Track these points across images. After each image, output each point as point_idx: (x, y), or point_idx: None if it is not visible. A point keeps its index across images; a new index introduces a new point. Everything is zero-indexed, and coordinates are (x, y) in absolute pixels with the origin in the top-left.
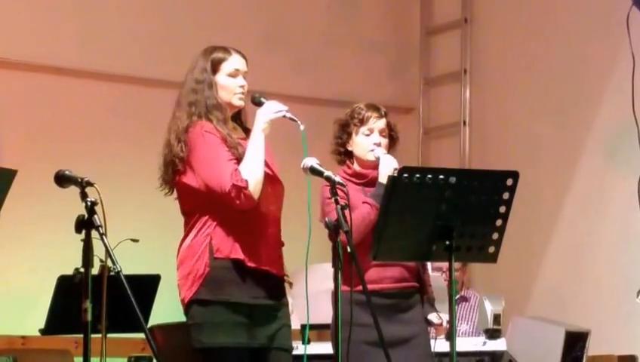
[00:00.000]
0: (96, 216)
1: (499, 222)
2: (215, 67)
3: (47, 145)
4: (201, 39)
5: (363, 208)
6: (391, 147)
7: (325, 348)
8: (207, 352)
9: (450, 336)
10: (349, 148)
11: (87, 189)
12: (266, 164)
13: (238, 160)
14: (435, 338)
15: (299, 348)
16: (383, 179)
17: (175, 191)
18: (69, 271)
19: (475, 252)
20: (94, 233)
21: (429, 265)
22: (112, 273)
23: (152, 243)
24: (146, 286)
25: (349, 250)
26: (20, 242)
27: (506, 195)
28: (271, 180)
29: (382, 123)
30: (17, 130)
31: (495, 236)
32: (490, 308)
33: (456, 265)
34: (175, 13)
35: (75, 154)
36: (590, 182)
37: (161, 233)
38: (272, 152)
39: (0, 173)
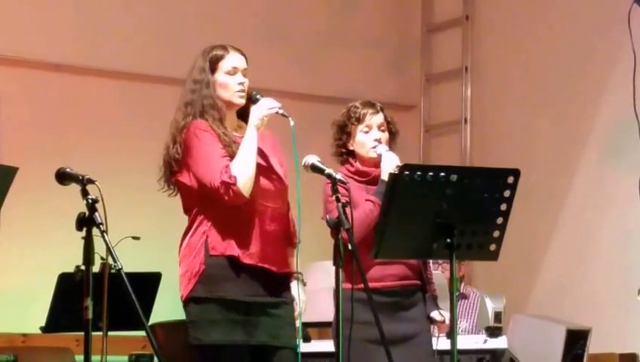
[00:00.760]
0: (97, 214)
1: (500, 220)
2: (213, 66)
3: (48, 142)
4: (201, 36)
5: (365, 205)
6: (391, 141)
7: (326, 345)
8: (204, 349)
9: (451, 334)
10: (351, 148)
11: (88, 187)
12: (265, 159)
13: (233, 157)
14: (438, 336)
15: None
16: (385, 176)
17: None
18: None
19: (476, 250)
20: (95, 230)
21: (430, 262)
22: (113, 271)
23: (153, 240)
24: (147, 283)
25: (350, 247)
26: (21, 240)
27: (507, 193)
28: (269, 176)
29: (379, 118)
30: (18, 127)
31: (496, 234)
32: (491, 306)
33: None
34: (175, 9)
35: (76, 152)
36: (591, 180)
37: (163, 231)
38: (279, 149)
39: (1, 170)
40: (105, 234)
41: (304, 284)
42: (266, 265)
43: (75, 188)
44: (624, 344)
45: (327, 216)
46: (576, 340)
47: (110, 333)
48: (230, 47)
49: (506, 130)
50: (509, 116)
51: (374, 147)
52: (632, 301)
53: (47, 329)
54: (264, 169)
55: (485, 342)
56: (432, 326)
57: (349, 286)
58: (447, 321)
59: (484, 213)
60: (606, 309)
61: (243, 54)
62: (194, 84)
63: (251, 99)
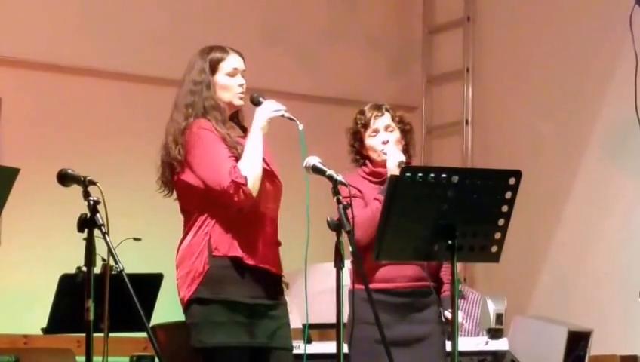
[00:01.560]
0: (98, 215)
1: (501, 222)
2: (213, 67)
3: (49, 143)
4: (202, 36)
5: (372, 204)
6: (406, 139)
7: (327, 347)
8: (207, 352)
9: (452, 336)
10: (365, 154)
11: (90, 188)
12: (265, 162)
13: (237, 158)
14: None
15: (300, 348)
16: (391, 173)
17: (175, 191)
18: (72, 270)
19: (477, 251)
20: (97, 232)
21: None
22: (115, 272)
23: (154, 242)
24: (149, 285)
25: (350, 249)
26: (23, 241)
27: (508, 194)
28: (270, 178)
29: (385, 119)
30: (20, 128)
31: (497, 235)
32: (492, 308)
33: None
34: (177, 11)
35: (78, 153)
36: (593, 181)
37: (164, 232)
38: (271, 152)
39: (3, 171)
40: (106, 235)
41: (286, 287)
42: (267, 267)
43: (76, 189)
44: (625, 345)
45: (328, 218)
46: (577, 342)
47: (111, 334)
48: (229, 48)
49: (508, 131)
50: (511, 117)
51: (382, 150)
52: (633, 302)
53: (49, 330)
54: (266, 171)
55: (486, 343)
56: (446, 327)
57: (358, 286)
58: (460, 320)
59: (485, 214)
60: (607, 311)
61: (241, 55)
62: (193, 85)
63: (253, 102)
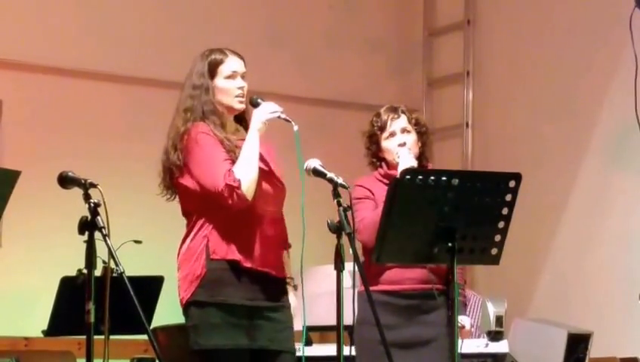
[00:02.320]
0: (99, 218)
1: (501, 224)
2: (212, 70)
3: (50, 146)
4: (203, 39)
5: (381, 207)
6: (422, 141)
7: (327, 349)
8: (205, 354)
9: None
10: (382, 157)
11: (91, 190)
12: (266, 164)
13: (235, 161)
14: (462, 341)
15: (299, 350)
16: None
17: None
18: (72, 273)
19: (477, 254)
20: (97, 234)
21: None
22: (115, 274)
23: (155, 244)
24: (149, 287)
25: (350, 251)
26: (23, 243)
27: (508, 197)
28: (269, 180)
29: (401, 121)
30: (21, 131)
31: (498, 238)
32: (492, 310)
33: None
34: (177, 13)
35: (79, 156)
36: (593, 184)
37: (165, 234)
38: (275, 154)
39: (3, 174)
40: (107, 237)
41: (295, 289)
42: (266, 269)
43: (77, 191)
44: (625, 348)
45: (328, 220)
46: (577, 344)
47: (112, 337)
48: (229, 50)
49: (508, 134)
50: (511, 120)
51: (397, 153)
52: (633, 305)
53: (50, 332)
54: (265, 173)
55: (486, 345)
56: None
57: (376, 288)
58: (468, 327)
59: (485, 217)
60: (607, 313)
61: (242, 58)
62: (193, 90)
63: (252, 103)
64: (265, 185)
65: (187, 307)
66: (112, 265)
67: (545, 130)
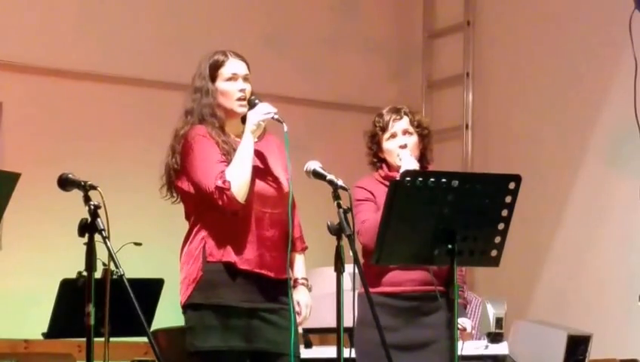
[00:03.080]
0: (99, 220)
1: (501, 226)
2: (213, 73)
3: (50, 148)
4: (203, 41)
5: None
6: (424, 143)
7: (327, 351)
8: (201, 356)
9: (453, 339)
10: (382, 157)
11: (91, 193)
12: (266, 165)
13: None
14: (463, 343)
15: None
16: None
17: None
18: (72, 275)
19: (477, 256)
20: (97, 236)
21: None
22: (115, 277)
23: (155, 246)
24: (149, 290)
25: (350, 253)
26: (23, 245)
27: (508, 199)
28: (268, 182)
29: (403, 123)
30: (21, 132)
31: (497, 240)
32: (492, 312)
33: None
34: (177, 15)
35: (78, 158)
36: (593, 186)
37: (165, 237)
38: (280, 154)
39: (3, 176)
40: (107, 240)
41: (309, 290)
42: (262, 271)
43: (77, 194)
44: (625, 350)
45: (329, 222)
46: (577, 346)
47: (112, 339)
48: (230, 52)
49: (508, 135)
50: (511, 122)
51: (398, 154)
52: (633, 307)
53: (49, 335)
54: (263, 174)
55: (486, 347)
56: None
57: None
58: (469, 330)
59: (485, 218)
60: (607, 315)
61: (244, 60)
62: (194, 93)
63: (250, 104)
64: (262, 186)
65: (185, 309)
66: (112, 267)
67: (544, 132)
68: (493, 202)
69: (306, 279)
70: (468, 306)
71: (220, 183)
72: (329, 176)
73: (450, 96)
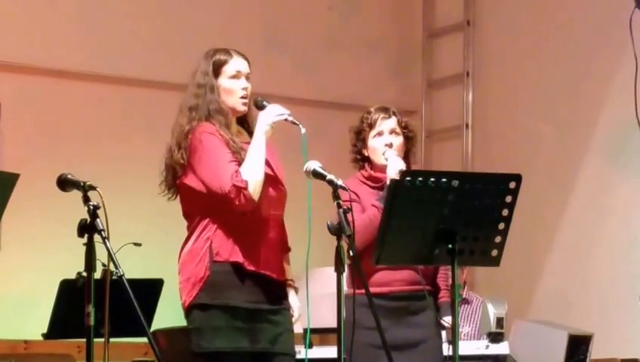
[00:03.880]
0: (98, 220)
1: (502, 226)
2: (217, 70)
3: (49, 149)
4: (202, 41)
5: (370, 211)
6: (409, 146)
7: (328, 352)
8: (207, 357)
9: (453, 340)
10: (366, 154)
11: (90, 193)
12: (269, 167)
13: (240, 163)
14: (449, 341)
15: (301, 352)
16: (389, 181)
17: (178, 195)
18: (72, 276)
19: (477, 255)
20: (97, 237)
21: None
22: (115, 277)
23: (155, 247)
24: (149, 290)
25: (351, 253)
26: (23, 246)
27: (508, 198)
28: (273, 183)
29: (391, 122)
30: (20, 133)
31: (498, 239)
32: (493, 312)
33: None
34: (177, 15)
35: (78, 158)
36: (593, 185)
37: (164, 237)
38: (277, 156)
39: (2, 177)
40: (106, 240)
41: (296, 291)
42: (268, 272)
43: (76, 194)
44: (626, 349)
45: (328, 222)
46: (578, 345)
47: (112, 340)
48: (234, 51)
49: (508, 135)
50: (511, 121)
51: (384, 153)
52: (634, 306)
53: (49, 335)
54: (269, 176)
55: (487, 347)
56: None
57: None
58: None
59: (485, 218)
60: (608, 314)
61: (246, 59)
62: (197, 88)
63: (257, 106)
64: (269, 189)
65: (189, 310)
66: (112, 267)
67: (545, 131)
68: (494, 202)
69: (292, 280)
70: (468, 306)
71: (237, 182)
72: (329, 176)
73: (450, 95)
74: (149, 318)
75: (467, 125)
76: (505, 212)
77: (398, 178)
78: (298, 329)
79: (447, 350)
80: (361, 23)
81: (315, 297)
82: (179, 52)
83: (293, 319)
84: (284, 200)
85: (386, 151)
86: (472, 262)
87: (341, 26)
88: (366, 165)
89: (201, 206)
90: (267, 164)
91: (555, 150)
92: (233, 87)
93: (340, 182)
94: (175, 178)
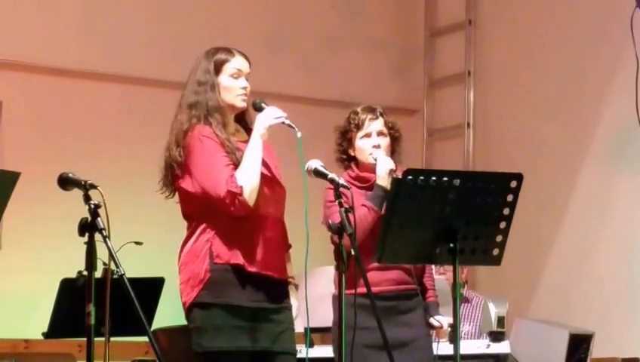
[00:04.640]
0: (99, 219)
1: (503, 225)
2: (218, 68)
3: (50, 147)
4: (204, 40)
5: (360, 211)
6: (394, 146)
7: (329, 351)
8: (208, 356)
9: (454, 339)
10: (352, 154)
11: (91, 192)
12: (267, 167)
13: (236, 165)
14: (438, 342)
15: (302, 351)
16: (379, 181)
17: (176, 195)
18: (72, 274)
19: (479, 254)
20: (98, 236)
21: (433, 268)
22: (116, 276)
23: (155, 246)
24: (150, 289)
25: (352, 252)
26: (23, 245)
27: (510, 197)
28: (270, 183)
29: (378, 124)
30: (20, 132)
31: (499, 238)
32: (494, 311)
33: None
34: (179, 14)
35: (79, 157)
36: (594, 184)
37: (165, 236)
38: (275, 155)
39: (3, 175)
40: (107, 239)
41: (296, 289)
42: (269, 273)
43: (77, 193)
44: (627, 348)
45: (330, 221)
46: (579, 344)
47: (113, 339)
48: (235, 50)
49: (510, 134)
50: (513, 120)
51: (371, 153)
52: (635, 305)
53: (50, 334)
54: (266, 177)
55: (488, 346)
56: (432, 332)
57: (349, 291)
58: (445, 327)
59: (487, 217)
60: (609, 314)
61: (247, 58)
62: (198, 86)
63: (255, 107)
64: (266, 189)
65: (190, 309)
66: (113, 266)
67: (546, 130)
68: (495, 201)
69: (293, 278)
70: (468, 304)
71: (231, 188)
72: (330, 175)
73: (451, 94)
74: (150, 317)
75: (469, 124)
76: (506, 211)
77: (388, 178)
78: (299, 328)
79: (436, 349)
80: (364, 22)
81: (316, 296)
82: (181, 51)
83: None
84: (282, 200)
85: (374, 152)
86: (473, 261)
87: (343, 25)
88: (352, 165)
89: (199, 209)
90: (264, 163)
91: (556, 149)
92: (232, 85)
93: (341, 181)
94: (173, 177)
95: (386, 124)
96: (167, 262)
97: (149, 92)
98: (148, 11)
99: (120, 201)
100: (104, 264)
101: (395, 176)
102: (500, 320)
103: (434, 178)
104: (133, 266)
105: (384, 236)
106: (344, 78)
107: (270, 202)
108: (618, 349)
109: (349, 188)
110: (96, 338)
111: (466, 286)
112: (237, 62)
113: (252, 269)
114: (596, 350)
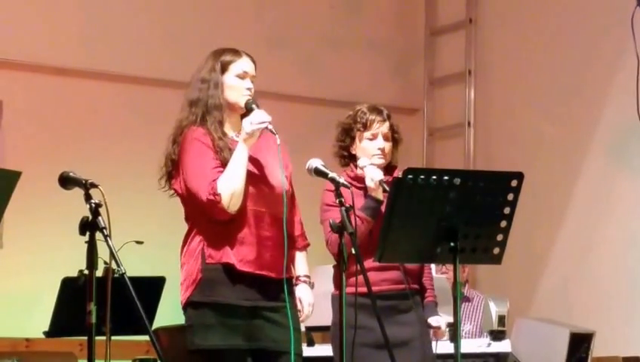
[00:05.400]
0: (100, 218)
1: (503, 224)
2: (224, 68)
3: (51, 146)
4: (204, 39)
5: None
6: (394, 148)
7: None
8: (203, 354)
9: (455, 338)
10: (353, 152)
11: (92, 191)
12: (258, 167)
13: (225, 164)
14: (437, 341)
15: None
16: (371, 192)
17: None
18: (73, 273)
19: (479, 253)
20: (99, 235)
21: (433, 268)
22: (117, 275)
23: (156, 245)
24: (151, 288)
25: (353, 251)
26: (24, 244)
27: (510, 196)
28: (260, 182)
29: (385, 127)
30: (22, 131)
31: (500, 237)
32: (494, 310)
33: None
34: (179, 13)
35: (79, 156)
36: (595, 183)
37: (166, 235)
38: (287, 155)
39: (4, 174)
40: (108, 238)
41: (312, 287)
42: (263, 272)
43: (78, 192)
44: (628, 347)
45: (330, 221)
46: (579, 343)
47: (114, 338)
48: (242, 52)
49: (510, 133)
50: (513, 119)
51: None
52: (635, 304)
53: (51, 333)
54: (255, 176)
55: (489, 345)
56: (430, 331)
57: (349, 290)
58: (444, 327)
59: (487, 216)
60: (610, 312)
61: (253, 60)
62: (201, 83)
63: (247, 108)
64: (259, 187)
65: (185, 308)
66: (114, 265)
67: (547, 129)
68: (496, 200)
69: (308, 276)
70: (469, 304)
71: (210, 196)
72: (331, 174)
73: (452, 93)
74: (151, 316)
75: (469, 123)
76: (507, 210)
77: (379, 189)
78: (312, 323)
79: (434, 348)
80: (364, 21)
81: (317, 295)
82: (182, 50)
83: (302, 316)
84: (279, 199)
85: (360, 160)
86: (474, 260)
87: (343, 24)
88: (351, 164)
89: (191, 210)
90: (256, 163)
91: (556, 148)
92: (238, 85)
93: (341, 180)
94: (168, 174)
95: (391, 127)
96: (168, 261)
97: (149, 91)
98: (149, 11)
99: (121, 200)
100: (105, 263)
101: (384, 186)
102: (501, 319)
103: (434, 177)
104: (134, 265)
105: (384, 235)
106: (344, 77)
107: (261, 201)
108: (619, 348)
109: (349, 188)
110: (97, 337)
111: (466, 285)
112: (243, 64)
113: (244, 269)
114: (597, 349)
